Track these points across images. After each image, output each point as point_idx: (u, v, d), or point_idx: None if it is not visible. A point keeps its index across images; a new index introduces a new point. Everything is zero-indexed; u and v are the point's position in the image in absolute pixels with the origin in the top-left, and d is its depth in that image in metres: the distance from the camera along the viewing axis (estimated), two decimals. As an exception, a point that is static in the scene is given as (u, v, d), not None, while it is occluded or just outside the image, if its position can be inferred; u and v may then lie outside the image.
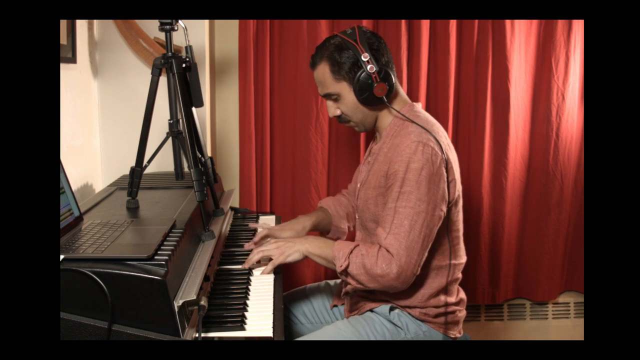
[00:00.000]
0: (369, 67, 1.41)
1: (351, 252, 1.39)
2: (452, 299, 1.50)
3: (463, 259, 1.54)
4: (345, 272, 1.39)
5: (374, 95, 1.43)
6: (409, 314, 1.47)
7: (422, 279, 1.46)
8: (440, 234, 1.44)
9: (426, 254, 1.39)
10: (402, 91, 1.54)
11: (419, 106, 1.53)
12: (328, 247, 1.44)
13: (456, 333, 1.52)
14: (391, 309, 1.48)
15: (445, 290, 1.48)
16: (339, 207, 1.79)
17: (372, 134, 2.24)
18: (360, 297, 1.53)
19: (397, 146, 1.41)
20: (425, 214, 1.35)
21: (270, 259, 1.47)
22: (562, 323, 2.53)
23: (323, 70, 1.47)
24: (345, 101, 1.48)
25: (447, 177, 1.39)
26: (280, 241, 1.50)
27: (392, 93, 1.46)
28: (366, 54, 1.42)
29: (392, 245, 1.35)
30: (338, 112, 1.52)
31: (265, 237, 1.65)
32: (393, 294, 1.46)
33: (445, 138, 1.45)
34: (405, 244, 1.34)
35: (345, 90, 1.47)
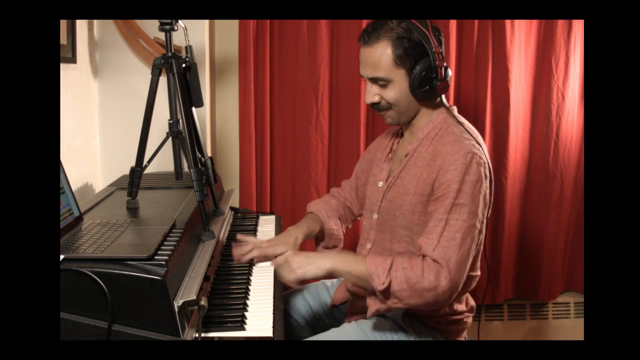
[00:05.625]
0: (437, 62, 1.33)
1: (391, 267, 1.27)
2: (463, 307, 1.48)
3: (478, 271, 1.46)
4: (387, 291, 1.27)
5: (434, 91, 1.35)
6: (423, 321, 1.44)
7: None
8: None
9: None
10: None
11: (455, 110, 1.47)
12: (359, 262, 1.32)
13: (461, 338, 1.52)
14: (404, 315, 1.42)
15: (458, 299, 1.45)
16: (329, 211, 1.68)
17: (372, 132, 2.25)
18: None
19: (446, 153, 1.33)
20: (475, 229, 1.30)
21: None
22: (562, 323, 2.53)
23: (382, 52, 1.33)
24: (396, 89, 1.36)
25: (490, 191, 1.35)
26: (301, 256, 1.37)
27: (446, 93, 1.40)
28: (439, 48, 1.33)
29: (442, 258, 1.26)
30: (377, 99, 1.39)
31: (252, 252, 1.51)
32: None
33: (486, 150, 1.40)
34: (457, 257, 1.26)
35: (401, 79, 1.35)
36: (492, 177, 1.37)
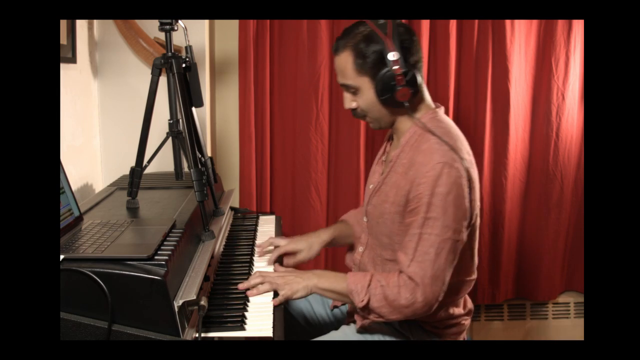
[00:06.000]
0: (395, 67, 1.30)
1: (369, 284, 1.31)
2: (460, 310, 1.47)
3: (474, 275, 1.46)
4: (367, 307, 1.31)
5: (396, 98, 1.33)
6: (420, 326, 1.45)
7: None
8: None
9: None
10: (427, 93, 1.42)
11: (442, 111, 1.42)
12: (340, 280, 1.35)
13: (460, 339, 1.52)
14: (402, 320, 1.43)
15: (455, 303, 1.45)
16: (359, 216, 1.66)
17: (372, 132, 2.25)
18: None
19: (418, 163, 1.31)
20: (451, 241, 1.28)
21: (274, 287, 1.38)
22: (562, 323, 2.53)
23: (346, 60, 1.34)
24: (364, 97, 1.37)
25: (470, 197, 1.31)
26: (287, 274, 1.41)
27: (416, 97, 1.37)
28: (396, 53, 1.29)
29: (416, 274, 1.27)
30: (353, 105, 1.40)
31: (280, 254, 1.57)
32: None
33: (468, 154, 1.35)
34: (431, 273, 1.27)
35: (366, 86, 1.35)
36: (473, 183, 1.32)
